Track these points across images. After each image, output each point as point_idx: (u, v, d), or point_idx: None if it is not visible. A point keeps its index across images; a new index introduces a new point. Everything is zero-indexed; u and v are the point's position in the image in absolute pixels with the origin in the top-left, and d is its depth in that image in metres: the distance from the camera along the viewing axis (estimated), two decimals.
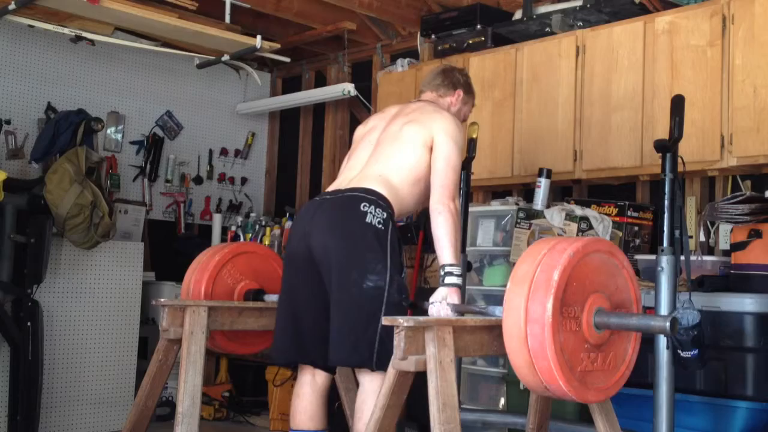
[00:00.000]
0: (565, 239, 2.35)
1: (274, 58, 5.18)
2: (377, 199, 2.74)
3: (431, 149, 2.83)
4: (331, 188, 2.91)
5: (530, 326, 2.20)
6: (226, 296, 3.42)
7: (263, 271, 3.53)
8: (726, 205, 3.58)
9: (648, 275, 3.66)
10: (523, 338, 2.22)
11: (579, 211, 3.95)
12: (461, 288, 2.76)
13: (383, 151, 2.88)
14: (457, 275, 2.70)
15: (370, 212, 2.71)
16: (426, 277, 4.74)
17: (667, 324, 2.21)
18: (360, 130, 3.12)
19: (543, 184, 4.12)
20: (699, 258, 3.66)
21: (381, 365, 2.63)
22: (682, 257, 2.82)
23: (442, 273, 2.71)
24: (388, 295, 2.68)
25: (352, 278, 2.67)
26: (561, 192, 4.58)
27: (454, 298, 2.69)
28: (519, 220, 4.10)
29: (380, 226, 2.71)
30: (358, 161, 2.93)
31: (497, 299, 4.24)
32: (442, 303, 2.68)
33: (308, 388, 2.92)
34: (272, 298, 3.40)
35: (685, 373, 3.00)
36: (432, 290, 3.63)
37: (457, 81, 3.10)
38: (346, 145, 5.96)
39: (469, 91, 3.14)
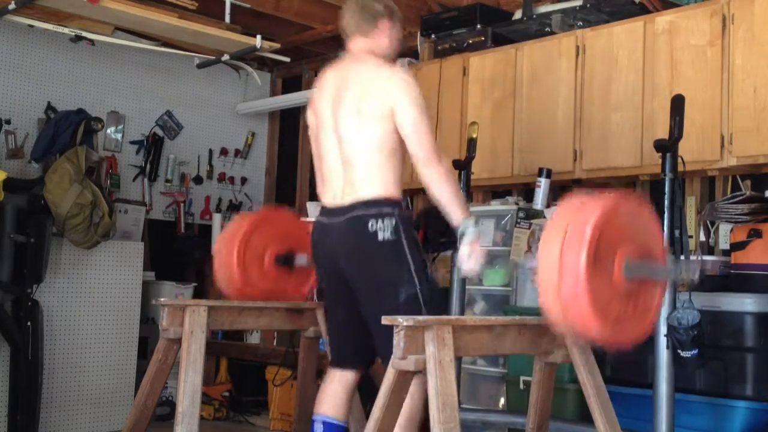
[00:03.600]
0: (595, 198, 2.36)
1: (274, 57, 5.18)
2: (379, 209, 2.72)
3: (392, 115, 2.73)
4: (328, 202, 2.87)
5: (564, 278, 2.21)
6: (256, 262, 3.39)
7: (291, 234, 3.51)
8: (726, 205, 3.59)
9: None
10: (557, 290, 2.23)
11: None
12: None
13: (350, 142, 2.79)
14: (473, 228, 2.71)
15: (379, 228, 2.70)
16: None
17: (696, 273, 2.26)
18: (311, 120, 3.02)
19: (543, 183, 4.12)
20: (699, 258, 3.66)
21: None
22: (682, 257, 2.82)
23: (460, 232, 2.73)
24: (422, 296, 2.73)
25: (387, 295, 2.71)
26: (561, 192, 4.58)
27: (478, 252, 2.72)
28: (519, 220, 4.10)
29: (393, 236, 2.71)
30: (333, 162, 2.86)
31: (497, 299, 4.25)
32: (470, 259, 2.70)
33: (337, 384, 2.96)
34: (302, 259, 3.43)
35: (685, 373, 3.00)
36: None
37: (377, 11, 2.90)
38: None
39: (392, 16, 2.95)
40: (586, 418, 3.01)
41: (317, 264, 3.00)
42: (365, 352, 2.89)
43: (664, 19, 3.91)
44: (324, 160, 2.92)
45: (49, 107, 5.14)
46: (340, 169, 2.83)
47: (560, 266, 2.22)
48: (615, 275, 2.29)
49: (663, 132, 3.06)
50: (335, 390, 2.96)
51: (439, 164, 2.71)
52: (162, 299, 3.30)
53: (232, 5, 4.96)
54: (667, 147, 2.84)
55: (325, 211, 2.89)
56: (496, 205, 4.46)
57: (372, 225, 2.69)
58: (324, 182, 2.93)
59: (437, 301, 2.81)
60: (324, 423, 2.93)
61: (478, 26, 4.72)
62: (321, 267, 2.97)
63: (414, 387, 2.59)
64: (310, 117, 3.03)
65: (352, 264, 2.77)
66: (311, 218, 5.17)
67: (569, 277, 2.20)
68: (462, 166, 3.77)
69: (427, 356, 2.33)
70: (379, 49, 2.91)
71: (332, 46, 5.84)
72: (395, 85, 2.74)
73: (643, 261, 2.37)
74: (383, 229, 2.70)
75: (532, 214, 4.07)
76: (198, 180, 6.01)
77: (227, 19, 4.93)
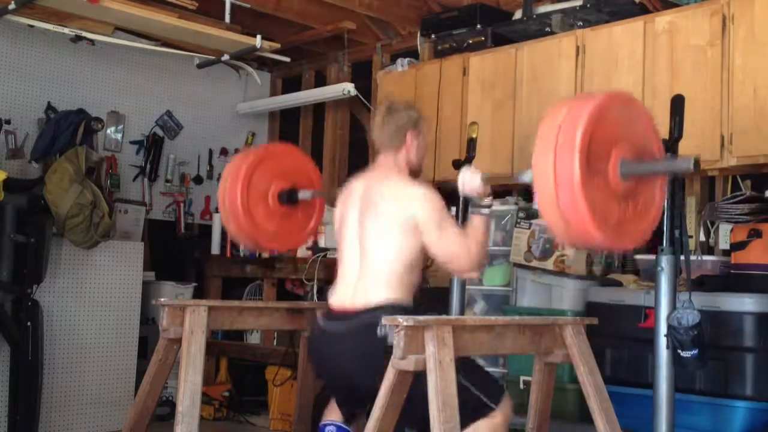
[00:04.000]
0: (581, 100, 2.30)
1: (274, 58, 5.18)
2: (387, 312, 2.66)
3: (412, 232, 2.78)
4: (336, 303, 2.86)
5: (560, 191, 2.18)
6: (260, 200, 3.38)
7: (293, 169, 3.50)
8: (726, 204, 3.59)
9: (648, 275, 3.67)
10: (555, 204, 2.20)
11: None
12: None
13: (371, 251, 2.83)
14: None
15: (389, 333, 2.63)
16: (426, 277, 4.74)
17: (691, 163, 2.23)
18: (336, 222, 3.06)
19: None
20: (699, 258, 3.66)
21: (493, 401, 2.67)
22: (682, 257, 2.82)
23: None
24: None
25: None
26: None
27: (478, 172, 2.79)
28: (519, 220, 4.10)
29: None
30: (351, 265, 2.88)
31: (498, 299, 4.25)
32: (473, 176, 2.78)
33: None
34: (306, 195, 3.43)
35: (685, 373, 2.99)
36: (433, 290, 3.65)
37: (404, 124, 2.98)
38: (346, 144, 5.97)
39: (416, 125, 3.02)
40: (586, 418, 3.01)
41: (314, 367, 3.01)
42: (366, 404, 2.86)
43: (664, 19, 3.91)
44: (342, 261, 2.94)
45: (49, 107, 5.14)
46: (357, 273, 2.84)
47: (555, 179, 2.18)
48: (611, 177, 2.26)
49: (663, 132, 3.05)
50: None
51: (471, 270, 2.82)
52: (162, 299, 3.31)
53: (232, 5, 4.96)
54: (667, 147, 2.83)
55: (331, 316, 2.86)
56: (496, 205, 4.45)
57: (381, 330, 2.62)
58: (338, 281, 2.93)
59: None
60: (337, 427, 2.93)
61: (478, 26, 4.72)
62: (320, 371, 2.99)
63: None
64: (336, 218, 3.07)
65: (360, 371, 2.72)
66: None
67: (565, 190, 2.17)
68: (462, 166, 3.76)
69: (427, 356, 2.33)
70: (407, 161, 3.00)
71: (332, 46, 5.85)
72: (420, 206, 2.78)
73: (639, 159, 2.34)
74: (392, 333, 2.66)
75: (532, 214, 4.07)
76: (198, 180, 6.01)
77: (227, 19, 4.93)
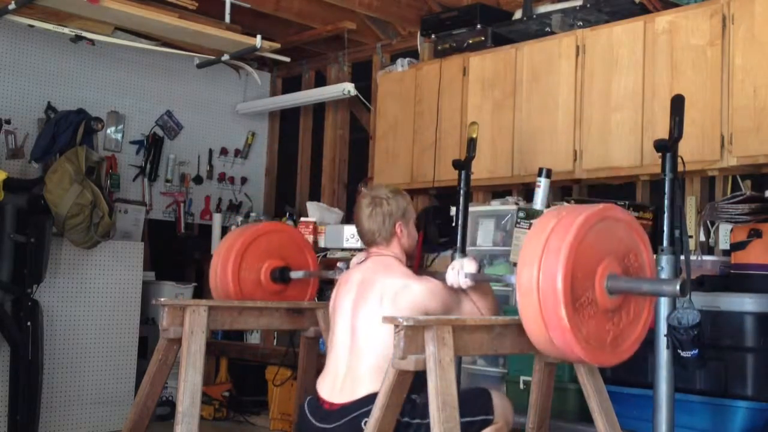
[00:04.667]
0: (559, 229, 2.25)
1: (274, 57, 5.18)
2: (371, 403, 2.62)
3: None
4: (324, 394, 2.82)
5: (552, 332, 2.19)
6: (253, 276, 3.46)
7: (287, 249, 3.56)
8: (726, 204, 3.59)
9: None
10: (548, 341, 2.21)
11: None
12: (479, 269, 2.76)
13: (363, 341, 2.79)
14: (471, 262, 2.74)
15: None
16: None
17: (677, 287, 2.17)
18: (330, 306, 3.02)
19: (543, 183, 4.12)
20: (699, 258, 3.66)
21: (489, 411, 2.70)
22: (682, 257, 2.82)
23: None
24: None
25: None
26: (561, 192, 4.58)
27: (471, 266, 2.71)
28: (519, 220, 4.10)
29: None
30: (341, 354, 2.85)
31: (497, 299, 4.24)
32: (459, 272, 2.69)
33: None
34: (298, 275, 3.50)
35: (685, 373, 3.00)
36: None
37: (391, 215, 2.92)
38: (346, 144, 5.97)
39: (405, 214, 2.97)
40: (586, 418, 3.01)
41: None
42: None
43: (664, 19, 3.91)
44: (332, 347, 2.91)
45: (49, 107, 5.14)
46: (346, 363, 2.81)
47: (543, 320, 2.19)
48: (598, 296, 2.24)
49: (663, 132, 3.06)
50: None
51: None
52: (162, 299, 3.30)
53: (232, 5, 4.96)
54: (667, 147, 2.83)
55: (317, 411, 2.82)
56: (496, 205, 4.46)
57: (365, 423, 2.61)
58: (326, 371, 2.90)
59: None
60: None
61: (478, 26, 4.72)
62: None
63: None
64: (330, 306, 3.02)
65: None
66: (311, 218, 5.18)
67: (556, 331, 2.18)
68: (462, 166, 3.76)
69: (427, 356, 2.33)
70: (399, 251, 2.95)
71: (332, 46, 5.85)
72: (428, 303, 2.75)
73: (626, 269, 2.32)
74: None
75: (532, 214, 4.06)
76: (198, 180, 6.01)
77: (227, 19, 4.93)
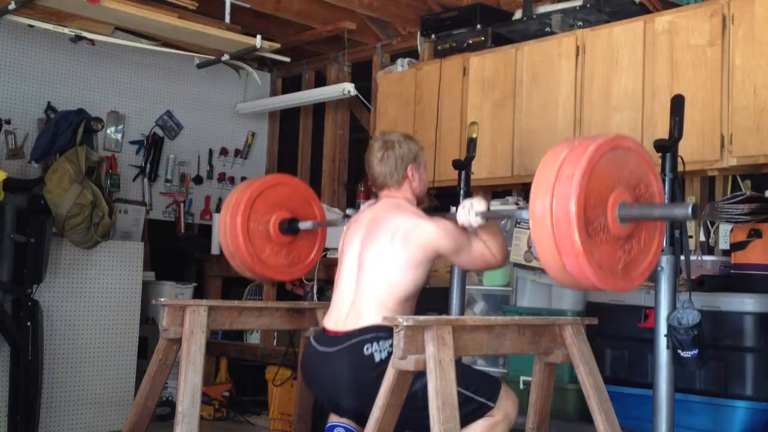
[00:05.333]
0: (572, 157, 2.25)
1: (274, 58, 5.18)
2: (377, 333, 2.69)
3: (417, 266, 2.77)
4: (328, 325, 2.86)
5: (565, 258, 2.20)
6: (262, 228, 3.39)
7: (294, 201, 3.50)
8: (726, 204, 3.58)
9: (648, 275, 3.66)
10: (561, 267, 2.22)
11: None
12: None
13: (369, 277, 2.82)
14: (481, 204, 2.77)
15: (376, 350, 2.67)
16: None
17: (689, 210, 2.21)
18: (340, 244, 3.05)
19: None
20: (699, 258, 3.66)
21: (492, 397, 2.70)
22: (682, 257, 2.82)
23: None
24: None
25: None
26: None
27: (481, 204, 2.74)
28: (519, 220, 4.10)
29: (389, 356, 2.62)
30: (347, 289, 2.87)
31: (497, 299, 4.25)
32: (470, 211, 2.73)
33: None
34: (306, 225, 3.45)
35: (685, 373, 3.00)
36: (433, 290, 3.62)
37: (403, 158, 2.95)
38: (346, 144, 5.97)
39: (417, 158, 3.00)
40: (586, 418, 3.01)
41: (308, 386, 3.00)
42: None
43: (664, 19, 3.91)
44: (338, 284, 2.94)
45: (49, 107, 5.14)
46: (351, 296, 2.84)
47: (556, 246, 2.19)
48: (610, 224, 2.26)
49: (663, 132, 3.06)
50: None
51: (501, 266, 2.91)
52: (162, 299, 3.30)
53: (232, 5, 4.96)
54: (667, 147, 2.83)
55: (322, 338, 2.85)
56: (496, 205, 4.45)
57: (368, 348, 2.67)
58: (332, 305, 2.93)
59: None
60: (345, 428, 2.93)
61: (478, 26, 4.72)
62: (313, 391, 2.99)
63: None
64: (339, 244, 3.05)
65: (350, 392, 2.71)
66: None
67: (568, 256, 2.19)
68: (462, 166, 3.77)
69: (427, 356, 2.33)
70: (411, 195, 2.98)
71: (332, 46, 5.85)
72: (438, 242, 2.77)
73: (637, 198, 2.34)
74: (380, 350, 2.67)
75: None
76: (198, 180, 6.01)
77: (227, 19, 4.93)
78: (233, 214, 3.33)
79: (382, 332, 2.67)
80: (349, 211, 3.26)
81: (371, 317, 2.72)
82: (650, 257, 2.41)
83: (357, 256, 2.88)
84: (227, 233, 3.35)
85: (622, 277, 2.31)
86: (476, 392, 2.68)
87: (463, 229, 2.78)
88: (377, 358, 2.65)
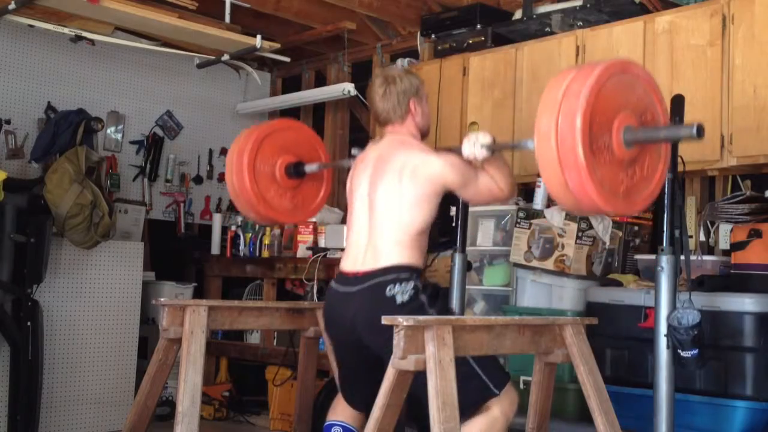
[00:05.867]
0: (580, 75, 2.27)
1: (274, 57, 5.18)
2: (398, 274, 2.73)
3: (427, 200, 2.80)
4: (346, 267, 2.88)
5: (567, 174, 2.21)
6: (268, 170, 3.36)
7: (300, 145, 3.48)
8: (726, 204, 3.59)
9: (648, 275, 3.67)
10: (563, 184, 2.24)
11: None
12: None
13: (382, 215, 2.84)
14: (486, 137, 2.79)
15: (398, 292, 2.71)
16: (427, 277, 4.75)
17: (694, 130, 2.22)
18: (348, 184, 3.07)
19: (543, 183, 4.12)
20: (699, 258, 3.66)
21: (499, 386, 2.70)
22: (682, 257, 2.82)
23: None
24: None
25: None
26: None
27: (486, 137, 2.76)
28: (519, 220, 4.10)
29: (411, 298, 2.72)
30: (361, 229, 2.90)
31: (497, 299, 4.25)
32: (476, 143, 2.75)
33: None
34: (312, 168, 3.42)
35: (685, 373, 3.00)
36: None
37: (405, 92, 2.96)
38: (346, 144, 5.97)
39: (418, 91, 3.00)
40: (586, 418, 3.01)
41: (328, 331, 3.02)
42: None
43: (664, 19, 3.91)
44: (351, 225, 2.96)
45: (49, 107, 5.14)
46: (366, 236, 2.86)
47: (560, 163, 2.21)
48: (615, 147, 2.27)
49: None
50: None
51: (509, 198, 2.90)
52: (162, 299, 3.31)
53: (232, 5, 4.96)
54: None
55: (342, 279, 2.88)
56: (496, 205, 4.45)
57: (390, 290, 2.71)
58: (348, 246, 2.95)
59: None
60: (343, 427, 2.93)
61: (478, 26, 4.72)
62: (332, 335, 3.00)
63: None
64: (348, 184, 3.07)
65: (371, 331, 2.72)
66: (311, 219, 5.18)
67: (572, 173, 2.20)
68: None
69: (427, 356, 2.33)
70: (415, 129, 2.99)
71: (332, 46, 5.85)
72: (445, 175, 2.80)
73: (642, 123, 2.35)
74: (402, 292, 2.71)
75: (532, 214, 4.07)
76: (198, 180, 6.01)
77: (227, 19, 4.93)
78: (240, 153, 3.30)
79: (403, 273, 2.73)
80: (354, 151, 3.23)
81: (390, 257, 2.76)
82: (653, 185, 2.42)
83: (367, 196, 2.89)
84: (233, 171, 3.32)
85: (623, 200, 2.32)
86: (485, 372, 2.68)
87: (470, 163, 2.81)
88: (399, 299, 2.69)
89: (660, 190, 2.47)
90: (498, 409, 2.70)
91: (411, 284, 2.72)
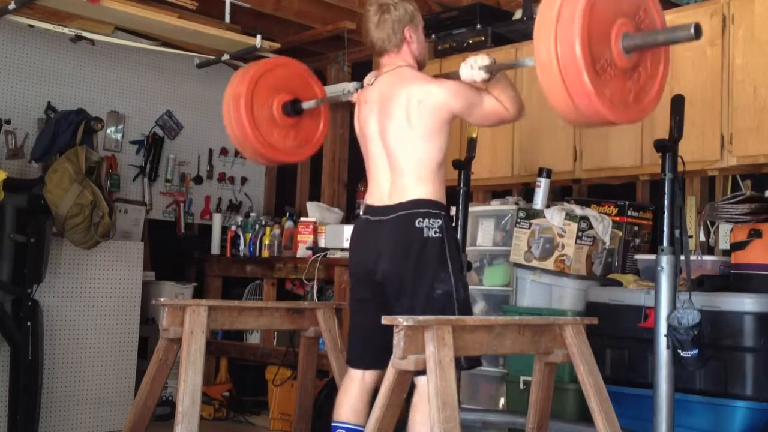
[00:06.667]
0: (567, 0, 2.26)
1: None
2: (427, 209, 2.82)
3: (439, 131, 2.85)
4: (375, 202, 2.94)
5: (577, 100, 2.22)
6: (266, 113, 3.33)
7: (293, 82, 3.46)
8: (726, 204, 3.59)
9: (648, 275, 3.67)
10: (574, 109, 2.25)
11: (579, 210, 3.95)
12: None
13: (399, 154, 2.89)
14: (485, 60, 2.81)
15: (426, 226, 2.80)
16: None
17: (692, 30, 2.22)
18: (356, 125, 3.10)
19: (543, 183, 4.13)
20: (699, 258, 3.66)
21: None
22: (682, 257, 2.82)
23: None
24: (456, 294, 2.81)
25: (423, 291, 2.78)
26: (561, 192, 4.58)
27: (485, 59, 2.80)
28: (519, 220, 4.10)
29: (438, 234, 2.81)
30: (381, 169, 2.94)
31: (498, 299, 4.25)
32: (473, 66, 2.78)
33: (357, 386, 2.98)
34: (309, 104, 3.42)
35: (685, 373, 3.00)
36: None
37: (400, 20, 2.95)
38: (346, 144, 5.96)
39: (413, 19, 3.00)
40: (586, 418, 3.01)
41: (351, 260, 3.05)
42: (388, 354, 2.91)
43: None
44: (371, 166, 3.00)
45: (49, 107, 5.14)
46: (388, 175, 2.91)
47: (567, 90, 2.21)
48: (615, 56, 2.28)
49: (663, 132, 3.06)
50: (355, 395, 2.98)
51: (517, 118, 2.94)
52: (162, 299, 3.31)
53: (232, 5, 4.96)
54: (667, 147, 2.84)
55: (371, 210, 2.95)
56: (496, 205, 4.46)
57: (419, 222, 2.79)
58: (371, 184, 3.00)
59: (468, 306, 2.92)
60: (347, 429, 2.93)
61: (478, 26, 4.72)
62: (355, 264, 3.02)
63: None
64: (355, 125, 3.10)
65: (394, 258, 2.82)
66: (311, 218, 5.18)
67: (582, 97, 2.20)
68: (462, 166, 3.77)
69: (427, 356, 2.33)
70: (411, 58, 2.99)
71: (332, 46, 5.85)
72: (450, 102, 2.84)
73: (639, 28, 2.35)
74: (429, 227, 2.80)
75: (532, 214, 4.07)
76: (198, 180, 6.01)
77: (227, 19, 4.93)
78: (236, 99, 3.28)
79: (433, 209, 2.82)
80: (350, 86, 3.24)
81: (415, 191, 2.84)
82: (658, 82, 2.45)
83: (379, 137, 2.93)
84: (233, 123, 3.30)
85: (634, 107, 2.36)
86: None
87: (473, 87, 2.84)
88: (426, 233, 2.79)
89: (664, 85, 2.49)
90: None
91: (438, 222, 2.81)
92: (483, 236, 4.42)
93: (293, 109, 3.39)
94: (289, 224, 5.33)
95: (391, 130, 2.88)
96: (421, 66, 3.03)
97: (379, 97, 2.95)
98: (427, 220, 2.80)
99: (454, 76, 2.86)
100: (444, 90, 2.82)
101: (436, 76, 2.95)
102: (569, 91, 2.21)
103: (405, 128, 2.84)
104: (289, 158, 3.55)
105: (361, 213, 3.02)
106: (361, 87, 3.11)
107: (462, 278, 2.88)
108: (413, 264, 2.79)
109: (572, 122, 2.37)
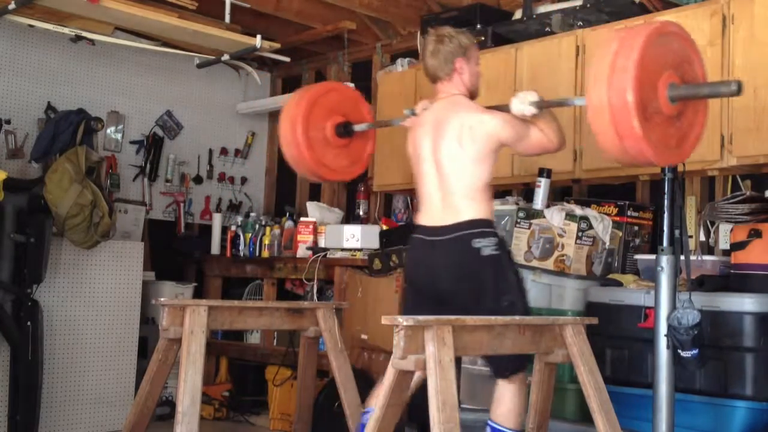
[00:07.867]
0: (623, 50, 2.42)
1: (274, 57, 5.18)
2: (482, 228, 2.95)
3: (487, 156, 3.00)
4: (429, 223, 3.06)
5: (626, 142, 2.40)
6: (320, 134, 3.47)
7: (344, 105, 3.60)
8: (726, 204, 3.59)
9: (648, 275, 3.66)
10: (622, 150, 2.44)
11: (579, 210, 3.95)
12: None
13: (450, 176, 3.03)
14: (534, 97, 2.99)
15: (484, 245, 2.92)
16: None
17: (734, 86, 2.41)
18: (409, 148, 3.23)
19: (543, 183, 4.12)
20: (699, 258, 3.66)
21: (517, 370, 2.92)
22: (682, 257, 2.82)
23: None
24: (519, 306, 2.94)
25: (487, 306, 2.87)
26: (561, 192, 4.58)
27: (534, 95, 2.98)
28: (519, 220, 4.10)
29: (496, 251, 2.93)
30: (434, 190, 3.08)
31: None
32: (524, 101, 2.96)
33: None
34: (361, 127, 3.56)
35: (685, 373, 3.00)
36: None
37: (453, 52, 3.13)
38: None
39: (466, 52, 3.17)
40: (586, 418, 3.01)
41: (409, 277, 3.17)
42: None
43: (664, 19, 3.90)
44: (423, 187, 3.13)
45: (49, 107, 5.14)
46: (440, 197, 3.04)
47: (617, 132, 2.39)
48: (662, 105, 2.45)
49: None
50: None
51: (559, 149, 3.10)
52: (162, 299, 3.31)
53: (232, 5, 4.96)
54: None
55: (425, 230, 3.05)
56: (496, 205, 4.44)
57: (476, 242, 2.90)
58: (424, 205, 3.13)
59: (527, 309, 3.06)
60: None
61: (478, 26, 4.71)
62: (414, 281, 3.13)
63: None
64: (409, 147, 3.24)
65: (454, 279, 2.94)
66: (311, 218, 5.18)
67: (630, 140, 2.38)
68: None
69: (427, 356, 2.33)
70: (463, 87, 3.17)
71: (332, 46, 5.85)
72: (500, 132, 3.00)
73: (683, 80, 2.52)
74: (487, 245, 2.91)
75: (532, 214, 4.07)
76: (198, 180, 6.01)
77: (227, 19, 4.93)
78: (293, 124, 3.42)
79: (487, 228, 2.96)
80: (406, 111, 3.38)
81: (468, 211, 2.97)
82: (698, 128, 2.63)
83: (432, 157, 3.08)
84: (290, 144, 3.44)
85: (675, 151, 2.56)
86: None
87: (521, 119, 3.00)
88: (484, 252, 2.91)
89: (702, 133, 2.66)
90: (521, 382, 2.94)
91: (494, 240, 2.94)
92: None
93: (345, 131, 3.53)
94: (289, 224, 5.33)
95: (443, 150, 3.04)
96: (473, 95, 3.19)
97: (434, 120, 3.11)
98: (483, 239, 2.92)
99: (505, 109, 3.02)
100: (496, 121, 2.99)
101: (488, 107, 3.11)
102: (619, 134, 2.38)
103: (456, 149, 3.00)
104: (340, 177, 3.74)
105: (416, 233, 3.12)
106: (413, 114, 3.30)
107: (522, 287, 3.04)
108: (474, 283, 2.91)
109: (617, 160, 2.57)
